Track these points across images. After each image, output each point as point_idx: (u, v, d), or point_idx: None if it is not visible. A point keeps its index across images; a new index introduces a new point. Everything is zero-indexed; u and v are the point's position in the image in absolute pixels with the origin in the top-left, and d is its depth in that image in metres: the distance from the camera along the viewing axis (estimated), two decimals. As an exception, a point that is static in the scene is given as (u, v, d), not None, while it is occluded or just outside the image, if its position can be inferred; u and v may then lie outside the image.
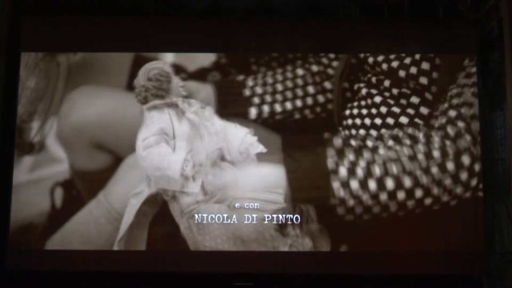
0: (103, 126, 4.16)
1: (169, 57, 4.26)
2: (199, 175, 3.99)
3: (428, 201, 4.07)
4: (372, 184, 4.01)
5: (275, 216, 4.02)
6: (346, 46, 4.30)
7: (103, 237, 4.06)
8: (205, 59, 4.25)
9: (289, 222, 4.02)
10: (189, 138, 4.04)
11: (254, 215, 4.01)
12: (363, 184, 4.01)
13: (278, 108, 4.17)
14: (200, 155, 4.02)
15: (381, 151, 4.04)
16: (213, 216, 3.99)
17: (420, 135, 4.06)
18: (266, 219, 4.01)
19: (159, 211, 4.06)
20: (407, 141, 4.05)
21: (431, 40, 4.26)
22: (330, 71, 4.24)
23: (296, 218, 4.02)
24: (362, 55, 4.24)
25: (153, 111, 4.06)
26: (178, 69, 4.20)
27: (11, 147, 4.20)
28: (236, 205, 4.01)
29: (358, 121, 4.12)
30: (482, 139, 4.13)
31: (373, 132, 4.09)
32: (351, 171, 4.01)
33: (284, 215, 4.02)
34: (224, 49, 4.29)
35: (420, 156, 4.05)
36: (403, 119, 4.09)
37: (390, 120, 4.09)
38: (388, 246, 4.08)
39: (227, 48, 4.30)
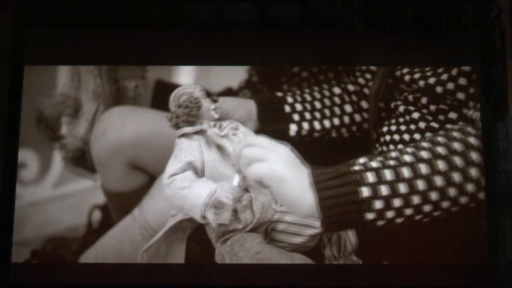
0: (139, 146, 4.10)
1: (193, 78, 4.23)
2: (231, 204, 3.82)
3: (432, 213, 3.97)
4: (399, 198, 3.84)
5: (312, 241, 3.90)
6: (351, 58, 4.30)
7: (138, 253, 3.97)
8: (234, 78, 4.22)
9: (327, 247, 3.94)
10: (220, 165, 3.90)
11: (291, 241, 3.88)
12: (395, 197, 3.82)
13: (317, 125, 4.12)
14: (231, 182, 3.83)
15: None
16: (247, 246, 3.85)
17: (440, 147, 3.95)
18: (303, 244, 3.90)
19: (198, 226, 3.93)
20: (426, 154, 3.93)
21: (433, 52, 4.25)
22: (366, 90, 4.22)
23: (333, 240, 3.93)
24: (398, 73, 4.21)
25: (182, 138, 3.92)
26: (209, 92, 4.10)
27: (14, 161, 4.17)
28: (271, 232, 3.87)
29: (396, 136, 4.07)
30: (484, 151, 4.11)
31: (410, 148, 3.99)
32: (383, 186, 3.82)
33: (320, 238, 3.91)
34: (238, 62, 4.27)
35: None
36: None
37: (429, 135, 4.04)
38: (391, 259, 4.06)
39: (241, 60, 4.28)
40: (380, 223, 3.80)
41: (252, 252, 3.86)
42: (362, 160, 3.84)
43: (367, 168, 3.77)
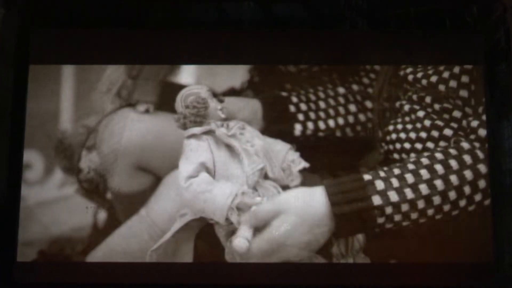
0: (144, 147, 4.10)
1: (196, 78, 4.23)
2: (242, 204, 3.85)
3: (437, 212, 4.01)
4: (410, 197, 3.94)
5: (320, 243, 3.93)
6: (355, 58, 4.30)
7: (145, 252, 3.99)
8: (237, 78, 4.22)
9: (334, 245, 3.97)
10: (230, 165, 3.92)
11: (299, 239, 3.90)
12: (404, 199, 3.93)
13: (321, 125, 4.14)
14: (241, 182, 3.89)
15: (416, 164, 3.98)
16: (256, 246, 3.86)
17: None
18: (311, 247, 3.93)
19: (206, 225, 3.97)
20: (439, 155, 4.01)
21: (438, 51, 4.24)
22: (370, 90, 4.23)
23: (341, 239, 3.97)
24: (402, 72, 4.21)
25: (192, 139, 3.95)
26: (214, 92, 4.13)
27: (18, 162, 4.18)
28: (278, 233, 3.88)
29: (402, 135, 4.08)
30: (489, 150, 4.11)
31: (418, 146, 4.05)
32: (390, 184, 3.93)
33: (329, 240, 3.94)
34: (239, 60, 4.28)
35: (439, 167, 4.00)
36: (448, 131, 4.06)
37: (435, 133, 4.06)
38: (396, 258, 4.06)
39: (241, 59, 4.28)
40: (389, 226, 3.89)
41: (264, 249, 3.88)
42: (374, 172, 3.93)
43: (380, 178, 3.88)
